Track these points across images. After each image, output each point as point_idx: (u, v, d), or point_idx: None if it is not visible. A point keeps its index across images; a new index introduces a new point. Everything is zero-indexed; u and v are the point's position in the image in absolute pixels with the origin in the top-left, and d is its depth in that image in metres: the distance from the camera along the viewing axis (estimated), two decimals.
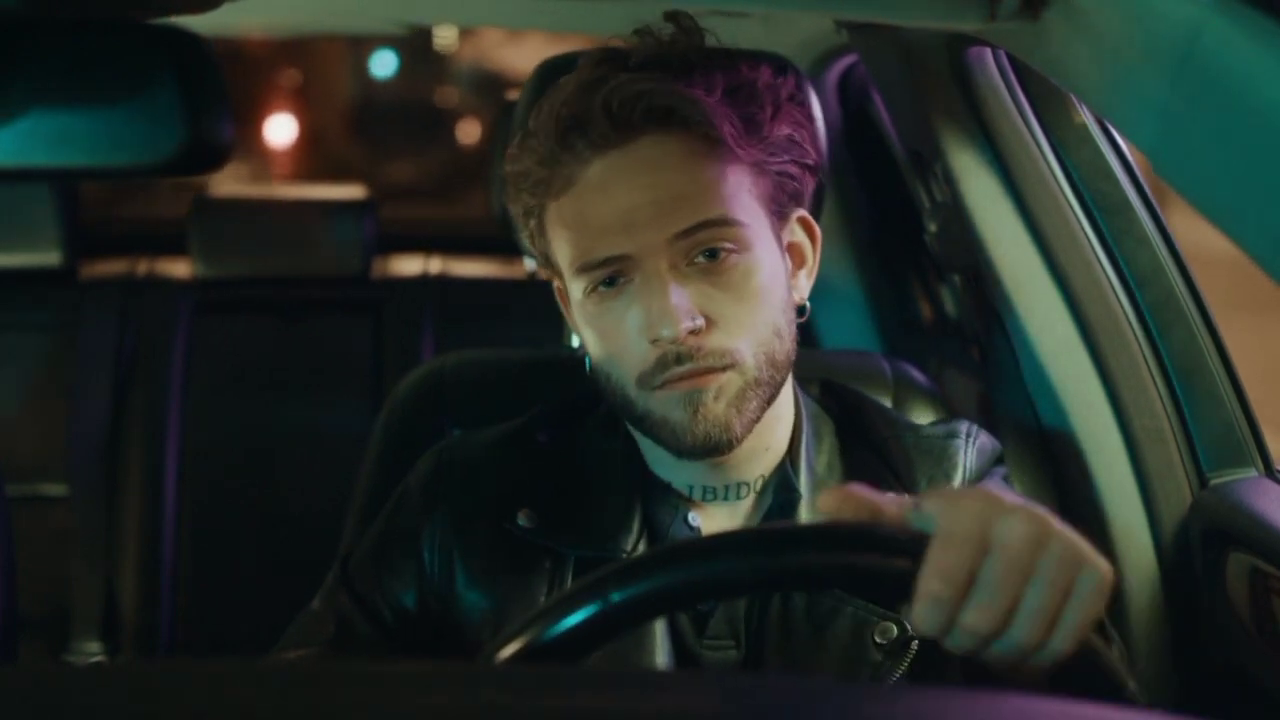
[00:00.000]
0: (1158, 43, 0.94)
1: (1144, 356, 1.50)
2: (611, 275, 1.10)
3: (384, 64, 8.23)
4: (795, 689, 0.59)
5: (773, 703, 0.55)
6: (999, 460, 1.25)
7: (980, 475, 1.21)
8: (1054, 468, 1.64)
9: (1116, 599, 1.52)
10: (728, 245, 1.09)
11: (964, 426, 1.24)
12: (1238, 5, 0.86)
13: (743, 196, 1.10)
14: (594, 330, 1.13)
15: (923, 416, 1.42)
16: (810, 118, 1.18)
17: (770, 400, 1.13)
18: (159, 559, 2.59)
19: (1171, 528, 1.49)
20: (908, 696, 0.56)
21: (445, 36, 7.35)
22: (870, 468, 1.19)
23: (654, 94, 1.07)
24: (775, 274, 1.13)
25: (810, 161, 1.16)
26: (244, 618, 2.46)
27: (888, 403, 1.44)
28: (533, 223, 1.15)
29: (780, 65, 1.26)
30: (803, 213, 1.18)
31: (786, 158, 1.14)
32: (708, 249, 1.08)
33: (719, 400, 1.09)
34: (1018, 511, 0.82)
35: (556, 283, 1.21)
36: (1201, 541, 1.45)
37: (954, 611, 0.80)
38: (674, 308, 1.06)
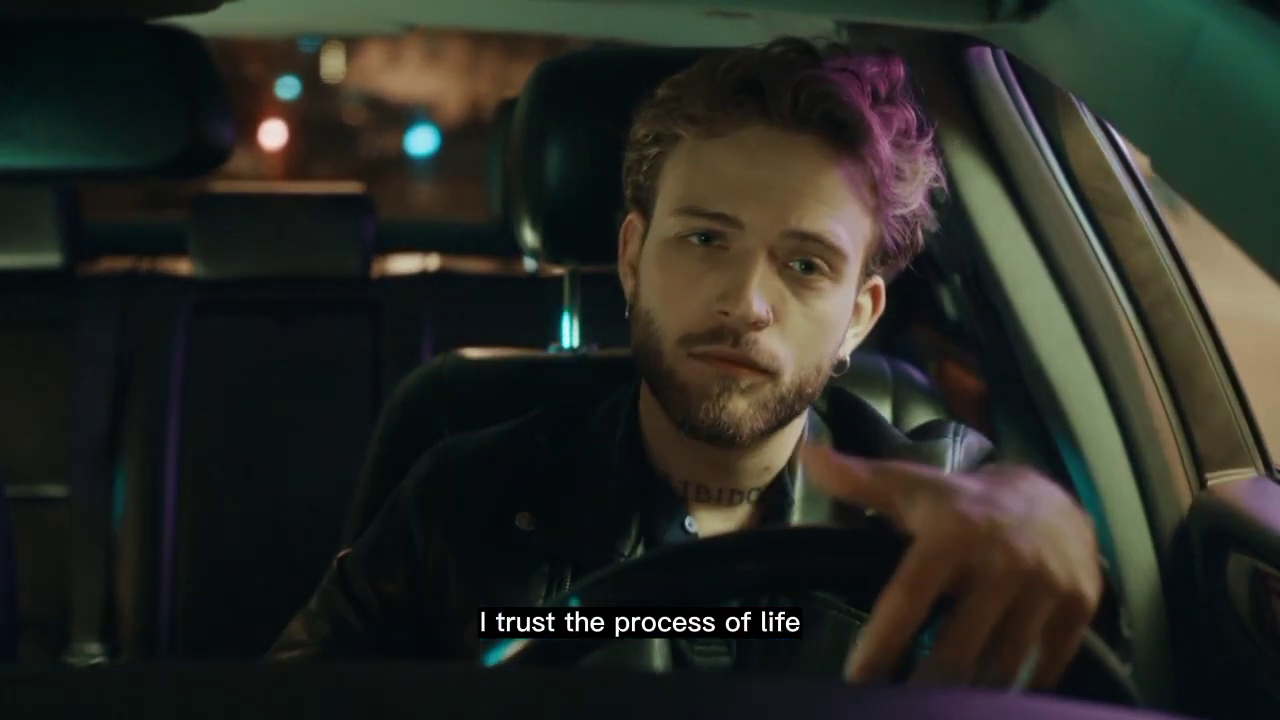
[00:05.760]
0: (1158, 43, 0.94)
1: (1144, 357, 1.50)
2: (710, 232, 1.09)
3: (288, 87, 10.01)
4: (796, 690, 0.59)
5: (776, 704, 0.55)
6: (989, 460, 1.24)
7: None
8: (1054, 468, 1.64)
9: (1116, 599, 1.52)
10: (825, 269, 1.10)
11: (951, 427, 1.24)
12: (1238, 5, 0.86)
13: (857, 235, 1.11)
14: (662, 273, 1.12)
15: (922, 417, 1.42)
16: (927, 211, 1.16)
17: (784, 423, 1.14)
18: (159, 559, 2.59)
19: (1171, 528, 1.49)
20: (908, 697, 0.56)
21: (331, 69, 9.80)
22: None
23: (844, 109, 1.08)
24: (843, 317, 1.14)
25: (912, 241, 1.16)
26: (244, 618, 2.46)
27: (887, 403, 1.44)
28: (653, 150, 1.14)
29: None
30: (879, 280, 1.19)
31: (904, 225, 1.14)
32: (806, 260, 1.09)
33: (745, 396, 1.10)
34: (999, 541, 0.77)
35: (633, 217, 1.20)
36: (1201, 542, 1.45)
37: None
38: (756, 291, 1.07)
